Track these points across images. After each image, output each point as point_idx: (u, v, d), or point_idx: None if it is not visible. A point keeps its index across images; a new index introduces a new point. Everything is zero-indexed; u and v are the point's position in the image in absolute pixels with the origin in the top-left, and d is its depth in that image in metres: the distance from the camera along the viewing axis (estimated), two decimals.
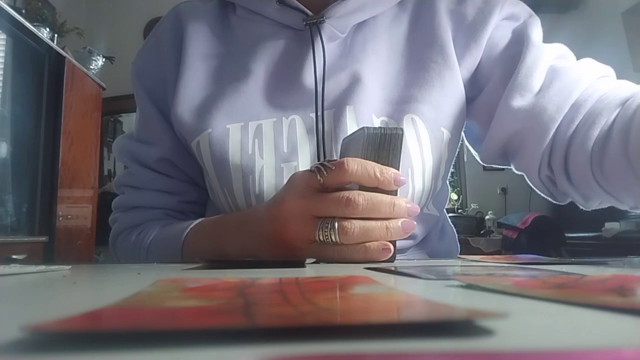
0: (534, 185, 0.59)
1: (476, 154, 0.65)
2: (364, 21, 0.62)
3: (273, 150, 0.56)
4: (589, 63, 0.58)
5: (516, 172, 0.60)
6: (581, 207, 0.57)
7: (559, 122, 0.53)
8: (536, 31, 0.59)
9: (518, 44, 0.59)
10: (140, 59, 0.67)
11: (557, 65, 0.56)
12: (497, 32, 0.61)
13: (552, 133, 0.54)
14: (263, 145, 0.56)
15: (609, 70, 0.58)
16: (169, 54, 0.64)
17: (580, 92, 0.54)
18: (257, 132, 0.57)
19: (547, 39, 0.61)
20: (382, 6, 0.62)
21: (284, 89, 0.59)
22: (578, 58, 0.60)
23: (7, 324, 0.14)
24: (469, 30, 0.60)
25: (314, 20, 0.59)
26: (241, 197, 0.56)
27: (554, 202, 0.60)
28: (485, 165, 0.64)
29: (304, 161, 0.55)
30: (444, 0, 0.63)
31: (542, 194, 0.60)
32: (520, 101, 0.55)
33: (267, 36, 0.62)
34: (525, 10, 0.62)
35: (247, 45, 0.63)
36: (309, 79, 0.58)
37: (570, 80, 0.54)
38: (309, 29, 0.60)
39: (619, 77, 0.60)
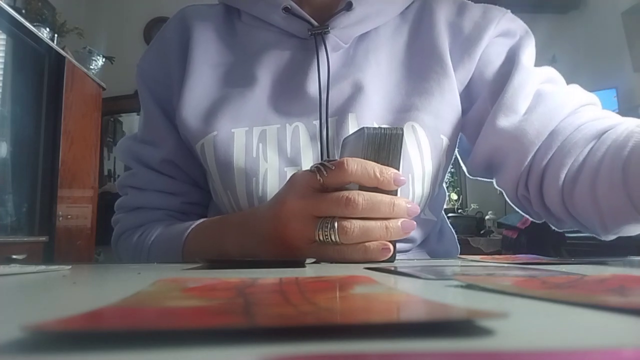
0: (511, 202, 0.63)
1: (464, 166, 0.68)
2: (366, 32, 0.63)
3: (277, 154, 0.57)
4: (574, 90, 0.59)
5: (496, 187, 0.63)
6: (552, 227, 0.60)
7: (537, 146, 0.56)
8: (528, 52, 0.61)
9: (509, 64, 0.60)
10: (145, 60, 0.68)
11: (543, 90, 0.58)
12: (491, 48, 0.62)
13: (530, 156, 0.56)
14: (267, 149, 0.57)
15: (594, 99, 0.59)
16: (175, 56, 0.64)
17: (561, 119, 0.56)
18: (261, 137, 0.57)
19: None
20: (384, 17, 0.63)
21: (288, 96, 0.60)
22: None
23: (7, 324, 0.14)
24: (464, 44, 0.62)
25: (319, 31, 0.60)
26: (244, 199, 0.57)
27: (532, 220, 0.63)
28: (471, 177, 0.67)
29: (307, 166, 0.56)
30: (444, 11, 0.64)
31: (518, 210, 0.63)
32: (504, 121, 0.57)
33: (272, 44, 0.63)
34: (521, 27, 0.64)
35: (253, 52, 0.63)
36: (313, 87, 0.59)
37: (554, 106, 0.56)
38: (313, 39, 0.61)
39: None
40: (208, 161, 0.58)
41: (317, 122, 0.58)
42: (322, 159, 0.56)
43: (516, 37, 0.63)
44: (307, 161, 0.56)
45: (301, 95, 0.59)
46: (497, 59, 0.62)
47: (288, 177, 0.54)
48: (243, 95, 0.60)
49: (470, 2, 0.66)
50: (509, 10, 0.64)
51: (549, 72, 0.61)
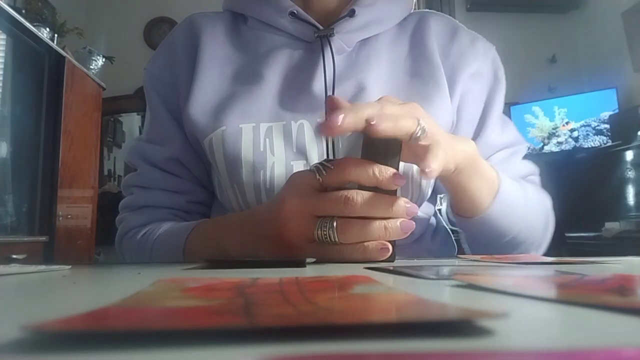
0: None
1: None
2: (367, 38, 0.66)
3: (283, 149, 0.58)
4: (522, 164, 0.67)
5: None
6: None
7: None
8: (499, 104, 0.66)
9: (482, 120, 0.66)
10: (153, 64, 0.69)
11: (495, 159, 0.64)
12: (470, 89, 0.65)
13: None
14: (274, 144, 0.58)
15: (533, 172, 0.68)
16: (183, 58, 0.66)
17: None
18: (267, 132, 0.59)
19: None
20: (384, 25, 0.67)
21: (294, 94, 0.61)
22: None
23: (7, 324, 0.14)
24: (451, 70, 0.65)
25: (325, 33, 0.63)
26: (251, 192, 0.58)
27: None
28: None
29: (313, 161, 0.57)
30: (436, 32, 0.67)
31: None
32: None
33: (279, 46, 0.65)
34: (498, 68, 0.68)
35: (260, 53, 0.65)
36: (318, 86, 0.61)
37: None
38: (319, 41, 0.63)
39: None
40: (216, 156, 0.60)
41: (321, 120, 0.59)
42: (327, 154, 0.58)
43: (491, 82, 0.67)
44: (313, 155, 0.58)
45: (307, 93, 0.61)
46: (473, 106, 0.65)
47: (294, 170, 0.57)
48: (250, 93, 0.61)
49: (461, 26, 0.69)
50: (494, 47, 0.69)
51: (512, 136, 0.67)
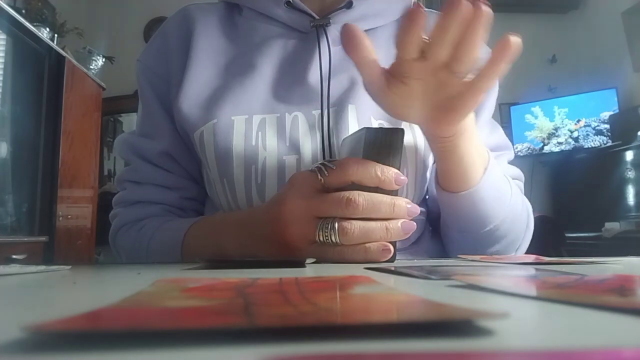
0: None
1: None
2: (364, 31, 0.64)
3: (276, 143, 0.57)
4: (507, 167, 0.66)
5: None
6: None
7: None
8: (488, 110, 0.66)
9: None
10: (145, 55, 0.69)
11: None
12: None
13: None
14: (266, 137, 0.57)
15: (518, 176, 0.67)
16: (176, 51, 0.65)
17: None
18: (260, 125, 0.58)
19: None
20: (381, 20, 0.66)
21: (289, 85, 0.61)
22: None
23: (7, 324, 0.14)
24: None
25: (321, 23, 0.62)
26: (241, 187, 0.57)
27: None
28: None
29: (306, 156, 0.57)
30: None
31: None
32: None
33: (274, 36, 0.64)
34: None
35: (254, 43, 0.65)
36: (314, 77, 0.60)
37: None
38: (315, 31, 0.63)
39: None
40: (206, 149, 0.59)
41: (316, 112, 0.59)
42: (322, 147, 0.57)
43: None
44: (307, 150, 0.57)
45: (302, 84, 0.60)
46: None
47: (286, 165, 0.56)
48: (243, 84, 0.61)
49: None
50: (490, 50, 0.68)
51: (498, 138, 0.66)
